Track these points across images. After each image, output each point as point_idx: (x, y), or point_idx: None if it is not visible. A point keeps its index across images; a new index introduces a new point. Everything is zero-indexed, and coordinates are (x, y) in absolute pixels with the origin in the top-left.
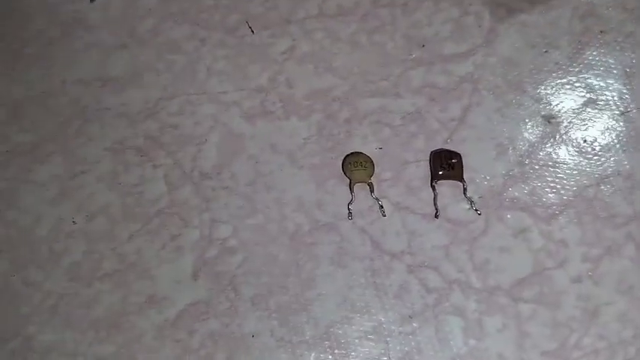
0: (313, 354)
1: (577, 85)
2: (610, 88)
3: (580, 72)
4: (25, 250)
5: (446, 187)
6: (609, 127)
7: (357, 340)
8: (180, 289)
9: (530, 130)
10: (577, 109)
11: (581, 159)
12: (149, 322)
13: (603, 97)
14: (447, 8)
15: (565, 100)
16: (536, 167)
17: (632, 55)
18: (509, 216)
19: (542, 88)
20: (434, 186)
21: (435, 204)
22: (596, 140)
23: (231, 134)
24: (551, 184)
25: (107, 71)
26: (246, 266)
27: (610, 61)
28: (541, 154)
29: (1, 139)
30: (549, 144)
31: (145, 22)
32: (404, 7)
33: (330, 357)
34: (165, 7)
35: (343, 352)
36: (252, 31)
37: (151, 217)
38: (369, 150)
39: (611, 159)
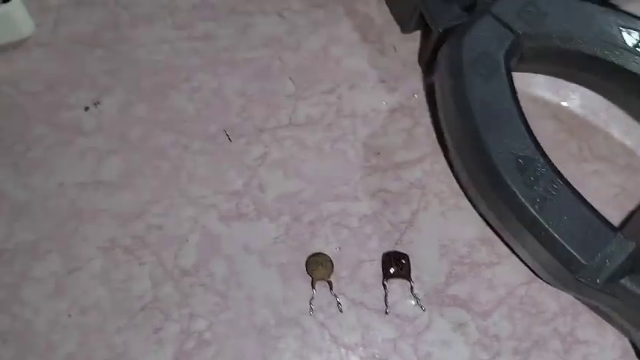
0: None
1: None
2: None
3: None
4: (26, 341)
5: (396, 284)
6: None
7: None
8: None
9: (469, 232)
10: None
11: (514, 260)
12: None
13: None
14: (400, 118)
15: None
16: (474, 267)
17: None
18: (449, 312)
19: None
20: (385, 284)
21: (385, 301)
22: None
23: (210, 235)
24: (487, 283)
25: (101, 175)
26: (218, 358)
27: None
28: (478, 254)
29: (7, 237)
30: (485, 246)
31: (135, 129)
32: (364, 118)
33: None
34: (154, 116)
35: None
36: (230, 139)
37: (136, 311)
38: (329, 250)
39: None
